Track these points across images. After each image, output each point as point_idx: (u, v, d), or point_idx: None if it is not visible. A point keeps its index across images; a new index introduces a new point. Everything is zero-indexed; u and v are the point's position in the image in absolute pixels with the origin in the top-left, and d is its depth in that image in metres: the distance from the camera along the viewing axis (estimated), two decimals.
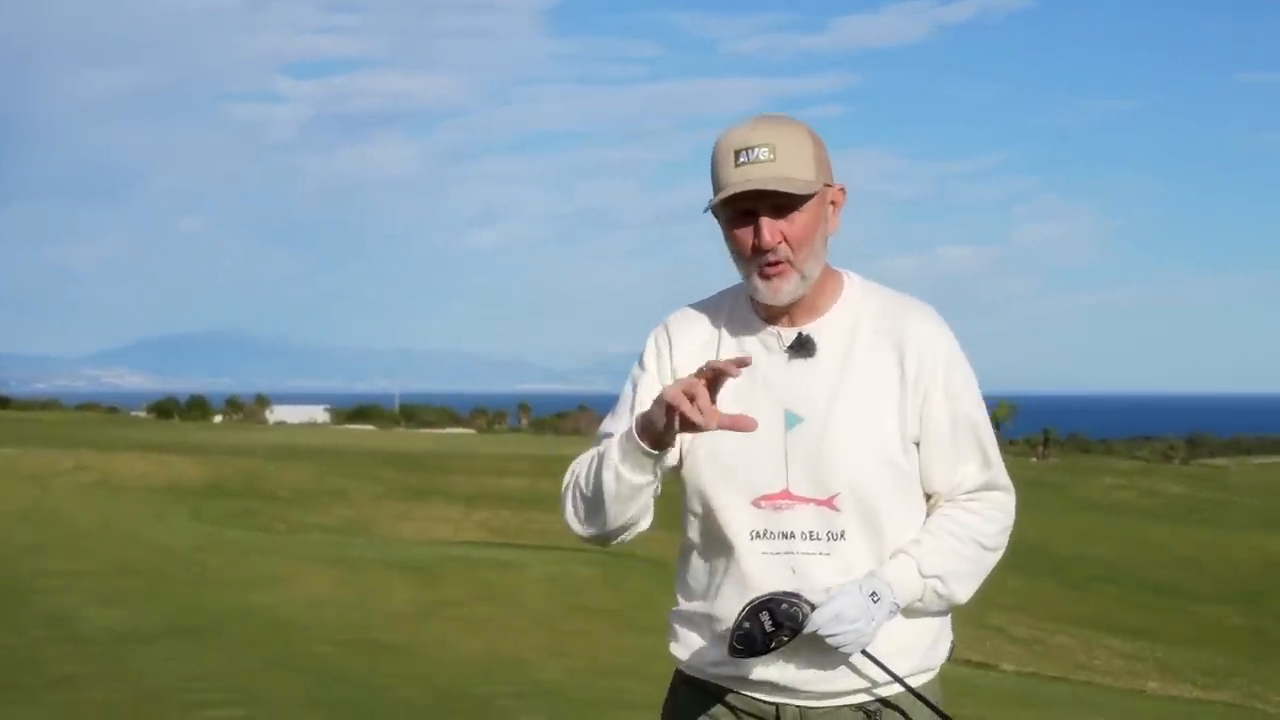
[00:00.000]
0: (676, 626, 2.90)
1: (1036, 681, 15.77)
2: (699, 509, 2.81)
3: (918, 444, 2.79)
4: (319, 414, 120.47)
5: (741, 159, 2.69)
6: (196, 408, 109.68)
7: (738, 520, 2.73)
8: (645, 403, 2.75)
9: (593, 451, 2.78)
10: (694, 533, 2.83)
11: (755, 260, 2.72)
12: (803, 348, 2.77)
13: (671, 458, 2.75)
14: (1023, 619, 25.04)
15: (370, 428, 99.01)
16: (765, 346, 2.80)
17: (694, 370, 2.65)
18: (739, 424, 2.55)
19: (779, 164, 2.69)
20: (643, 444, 2.61)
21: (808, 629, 2.60)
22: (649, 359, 2.89)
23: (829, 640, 2.62)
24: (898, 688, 2.77)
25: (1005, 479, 2.90)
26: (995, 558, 2.88)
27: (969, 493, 2.84)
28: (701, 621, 2.83)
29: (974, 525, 2.81)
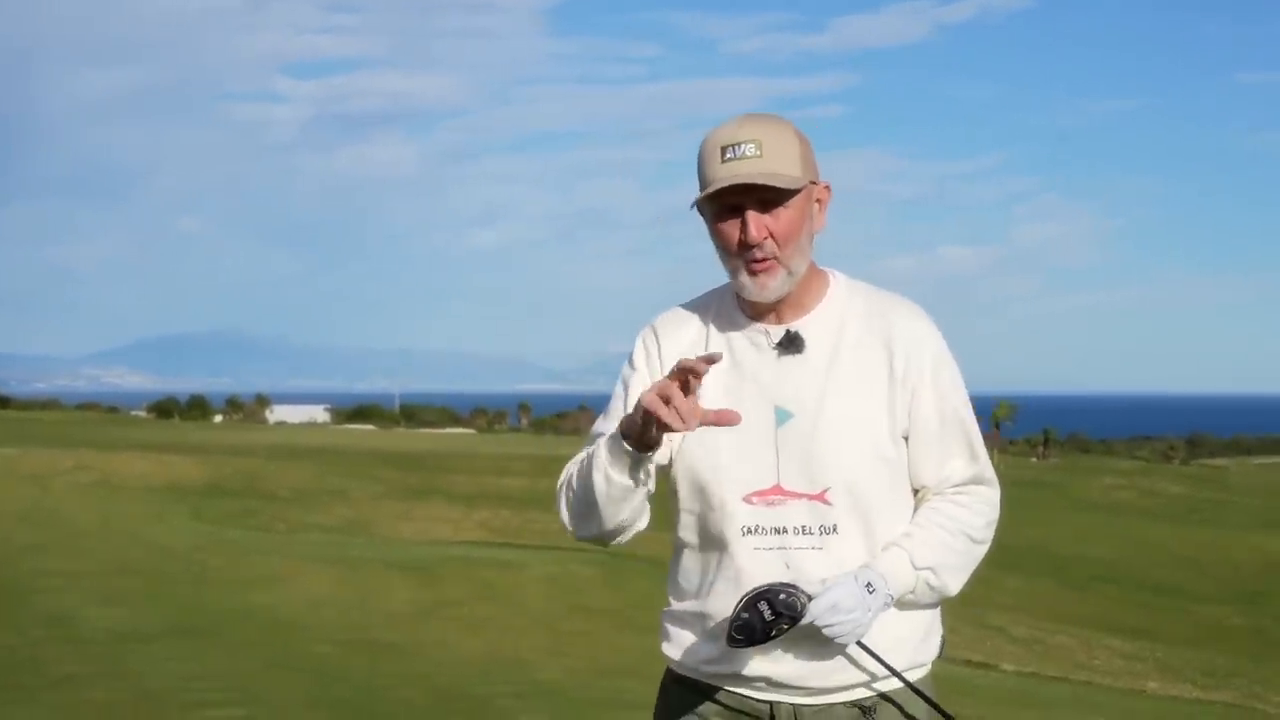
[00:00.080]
0: (668, 626, 2.90)
1: (1036, 681, 15.77)
2: (690, 507, 2.82)
3: (906, 439, 2.81)
4: (319, 414, 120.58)
5: (728, 155, 2.71)
6: (196, 407, 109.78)
7: (729, 516, 2.74)
8: (635, 399, 2.74)
9: (585, 453, 2.79)
10: (686, 531, 2.84)
11: (741, 256, 2.74)
12: (792, 344, 2.79)
13: (661, 456, 2.76)
14: (1023, 619, 25.08)
15: (370, 427, 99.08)
16: (754, 344, 2.81)
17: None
18: (723, 419, 2.56)
19: (765, 160, 2.70)
20: (629, 447, 2.62)
21: (805, 619, 2.60)
22: (638, 359, 2.90)
23: (826, 631, 2.62)
24: (892, 683, 2.78)
25: (991, 473, 2.93)
26: (983, 550, 2.90)
27: (956, 486, 2.86)
28: (694, 620, 2.83)
29: (962, 518, 2.84)
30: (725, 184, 2.69)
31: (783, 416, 2.75)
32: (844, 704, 2.78)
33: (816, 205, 2.81)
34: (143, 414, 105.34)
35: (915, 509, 2.84)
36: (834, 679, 2.75)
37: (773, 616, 2.59)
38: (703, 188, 2.75)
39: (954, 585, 2.83)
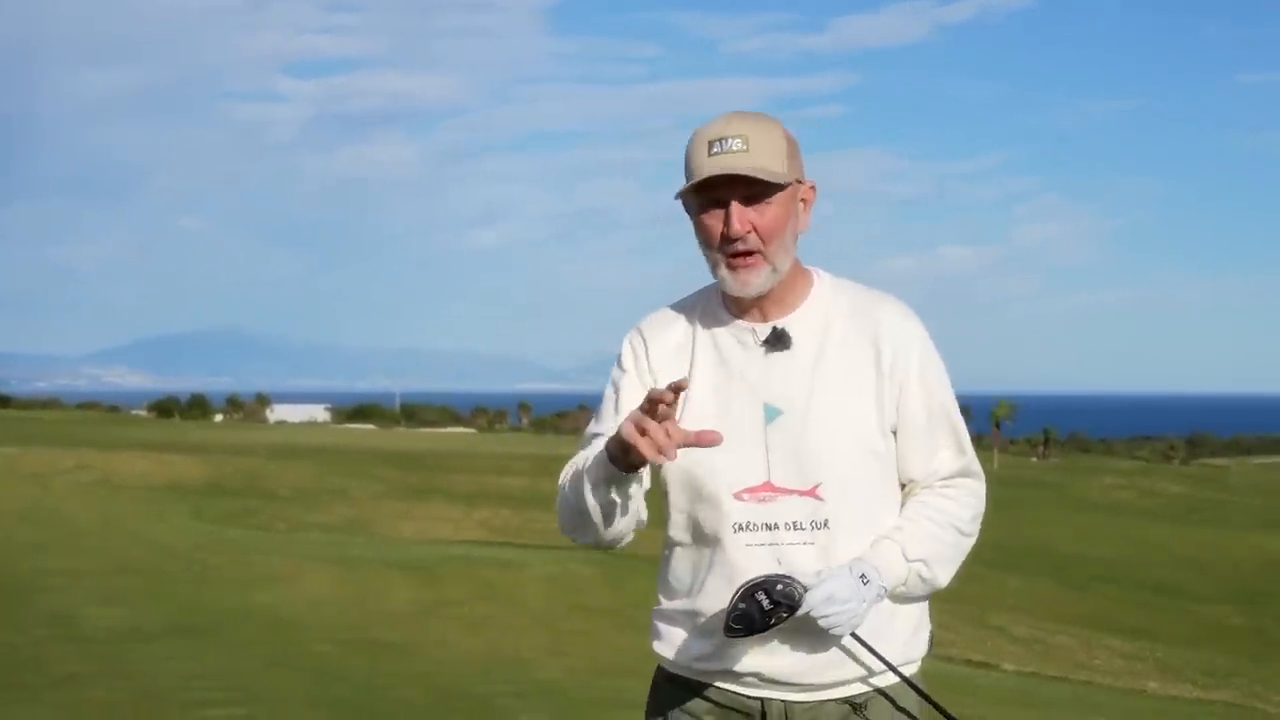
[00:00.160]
0: (659, 624, 2.91)
1: (1037, 681, 15.78)
2: (682, 505, 2.83)
3: (894, 433, 2.83)
4: (319, 413, 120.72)
5: (715, 149, 2.72)
6: (197, 407, 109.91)
7: (721, 514, 2.75)
8: (626, 404, 2.79)
9: (578, 461, 2.81)
10: (677, 529, 2.85)
11: (723, 249, 2.75)
12: (779, 341, 2.80)
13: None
14: (1023, 619, 25.09)
15: (371, 427, 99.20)
16: (740, 342, 2.83)
17: (670, 374, 2.76)
18: (703, 440, 2.56)
19: (752, 154, 2.72)
20: (616, 469, 2.64)
21: (802, 609, 2.61)
22: (626, 362, 2.92)
23: (821, 622, 2.63)
24: (883, 679, 2.79)
25: (977, 466, 2.95)
26: (971, 542, 2.92)
27: (944, 479, 2.88)
28: (686, 618, 2.84)
29: (951, 511, 2.85)
30: (711, 173, 2.70)
31: (772, 414, 2.76)
32: (835, 701, 2.78)
33: (801, 205, 2.83)
34: (143, 413, 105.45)
35: (903, 502, 2.86)
36: (826, 675, 2.76)
37: (771, 606, 2.60)
38: (688, 181, 2.76)
39: (944, 577, 2.85)
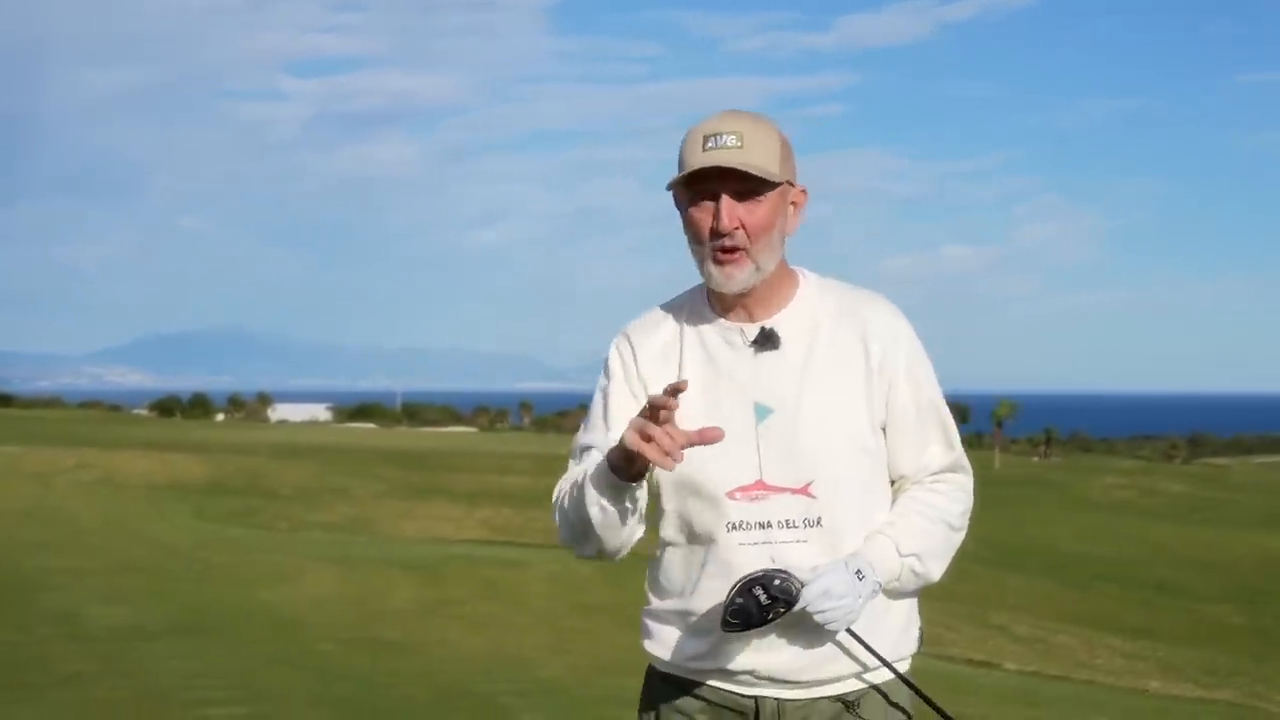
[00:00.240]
0: (651, 624, 2.92)
1: (1039, 680, 15.78)
2: (674, 505, 2.84)
3: (884, 430, 2.84)
4: (321, 412, 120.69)
5: (710, 144, 2.74)
6: (199, 406, 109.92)
7: (714, 513, 2.75)
8: (615, 412, 2.83)
9: (573, 475, 2.82)
10: (670, 529, 2.86)
11: (711, 244, 2.76)
12: (768, 341, 2.81)
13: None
14: (1025, 618, 25.09)
15: (372, 426, 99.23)
16: (729, 342, 2.84)
17: (659, 377, 2.79)
18: (706, 438, 2.57)
19: (745, 151, 2.73)
20: (617, 479, 2.65)
21: (799, 604, 2.63)
22: (614, 367, 2.92)
23: (817, 617, 2.64)
24: (876, 675, 2.81)
25: (966, 461, 2.97)
26: (961, 537, 2.93)
27: (934, 475, 2.90)
28: (679, 617, 2.85)
29: (941, 506, 2.87)
30: (703, 165, 2.72)
31: (762, 413, 2.78)
32: (828, 698, 2.80)
33: (792, 207, 2.84)
34: (145, 412, 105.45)
35: (894, 498, 2.88)
36: (819, 672, 2.77)
37: (768, 601, 2.61)
38: (680, 173, 2.77)
39: (936, 572, 2.86)
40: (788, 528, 2.75)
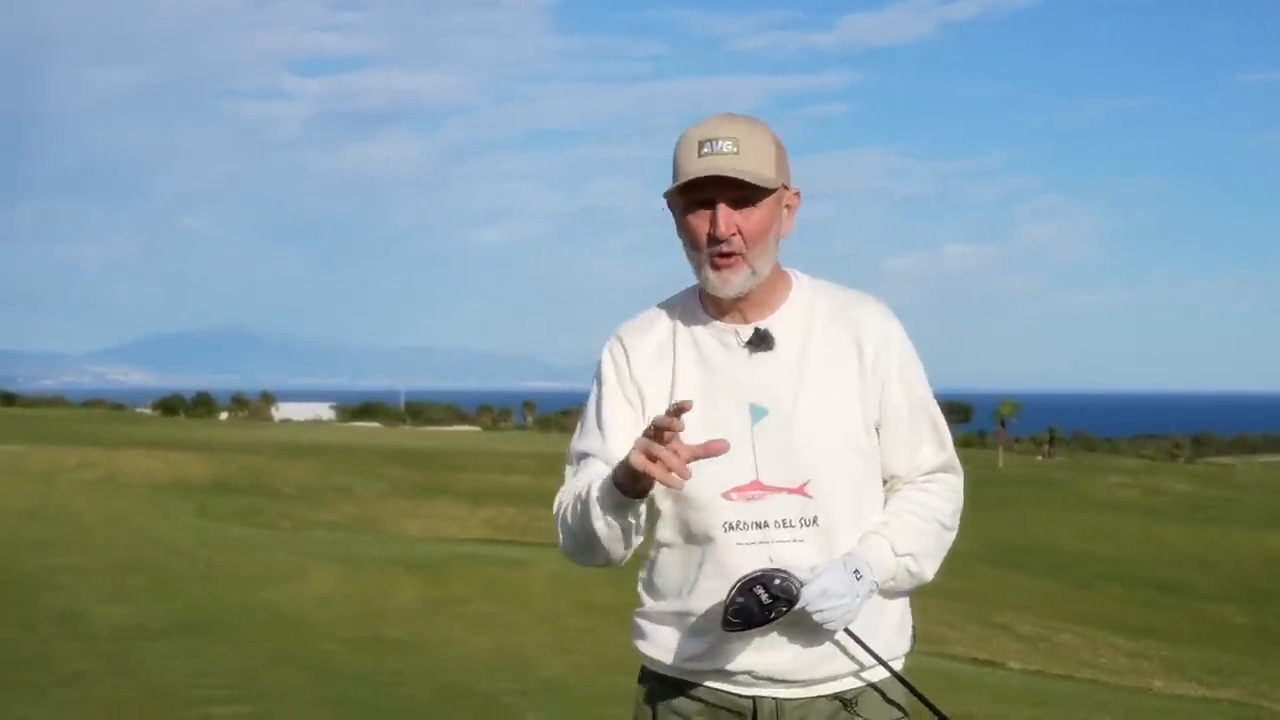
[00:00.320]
0: (645, 625, 2.91)
1: (1042, 679, 15.77)
2: (670, 506, 2.85)
3: (878, 429, 2.86)
4: (324, 411, 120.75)
5: (705, 150, 2.74)
6: (202, 405, 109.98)
7: (711, 514, 2.76)
8: (610, 417, 2.85)
9: (576, 488, 2.82)
10: (666, 531, 2.86)
11: (708, 250, 2.77)
12: (762, 342, 2.82)
13: None
14: (1028, 617, 25.08)
15: (376, 425, 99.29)
16: (723, 344, 2.85)
17: (653, 380, 2.82)
18: (710, 451, 2.58)
19: (742, 157, 2.74)
20: (622, 496, 2.66)
21: (799, 604, 2.64)
22: (607, 372, 2.93)
23: (816, 616, 2.65)
24: (873, 674, 2.82)
25: (957, 462, 2.99)
26: (952, 537, 2.96)
27: (927, 475, 2.92)
28: (676, 618, 2.85)
29: (934, 505, 2.89)
30: (702, 174, 2.72)
31: (758, 413, 2.79)
32: (826, 697, 2.80)
33: (786, 210, 2.85)
34: (148, 411, 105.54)
35: (886, 498, 2.90)
36: (817, 671, 2.78)
37: (770, 600, 2.62)
38: (676, 180, 2.78)
39: (930, 571, 2.88)
40: (784, 527, 2.76)
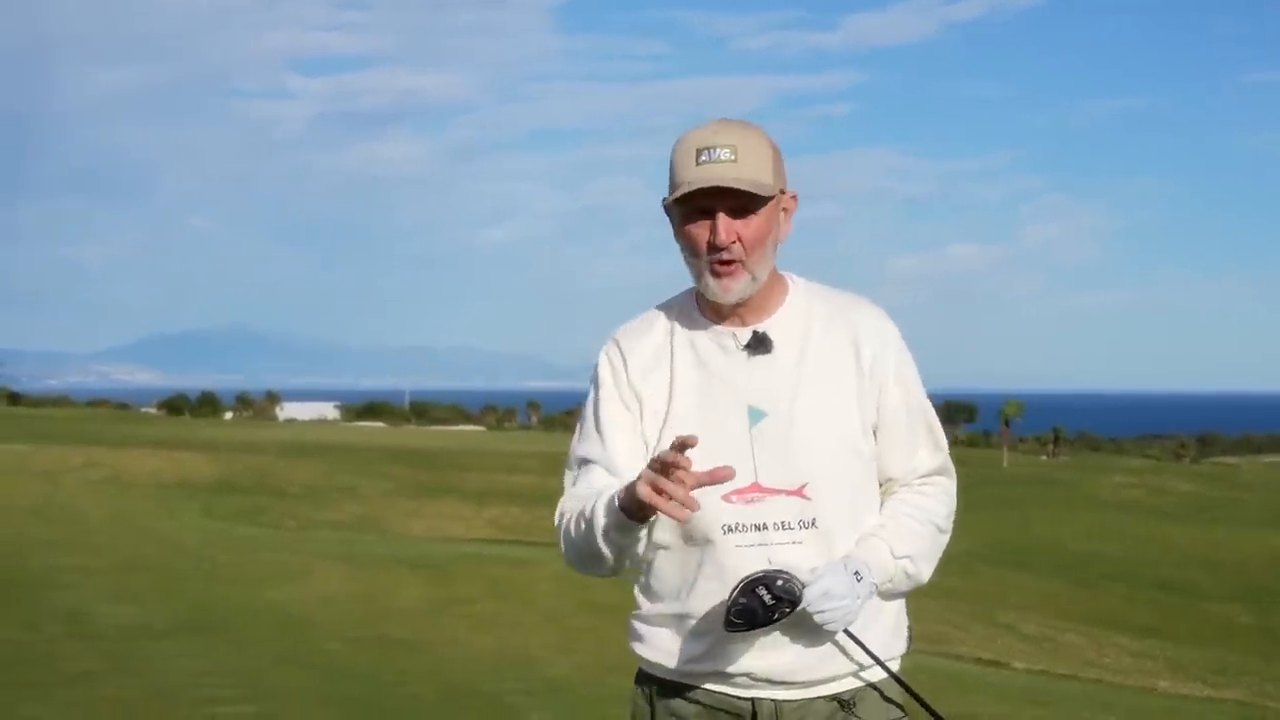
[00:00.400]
0: (642, 628, 2.92)
1: (1047, 679, 15.76)
2: None
3: (875, 432, 2.87)
4: (329, 411, 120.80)
5: (703, 158, 2.74)
6: (207, 404, 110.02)
7: (709, 515, 2.76)
8: (608, 422, 2.87)
9: (579, 501, 2.82)
10: (664, 533, 2.85)
11: (708, 257, 2.78)
12: (761, 345, 2.83)
13: (636, 463, 2.82)
14: (1033, 617, 25.07)
15: (380, 425, 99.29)
16: (721, 347, 2.86)
17: (651, 383, 2.84)
18: (716, 478, 2.59)
19: (740, 165, 2.74)
20: (628, 519, 2.67)
21: (800, 605, 2.64)
22: (604, 376, 2.93)
23: (817, 618, 2.66)
24: (871, 674, 2.83)
25: (951, 464, 3.01)
26: (946, 539, 2.98)
27: (922, 477, 2.94)
28: (674, 620, 2.85)
29: (930, 508, 2.92)
30: (703, 184, 2.73)
31: (756, 416, 2.79)
32: (824, 698, 2.81)
33: (783, 214, 2.86)
34: (153, 411, 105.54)
35: (883, 500, 2.91)
36: (816, 672, 2.79)
37: (773, 601, 2.63)
38: (674, 189, 2.78)
39: (927, 573, 2.90)
40: (783, 529, 2.77)
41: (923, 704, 2.84)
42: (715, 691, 2.82)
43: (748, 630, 2.66)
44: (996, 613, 23.96)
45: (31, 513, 24.41)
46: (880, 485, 2.91)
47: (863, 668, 2.82)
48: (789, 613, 2.64)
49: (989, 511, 43.32)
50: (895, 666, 2.88)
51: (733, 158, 2.73)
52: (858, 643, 2.76)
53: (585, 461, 2.88)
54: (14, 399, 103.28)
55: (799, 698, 2.80)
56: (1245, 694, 17.61)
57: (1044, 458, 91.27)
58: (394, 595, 15.87)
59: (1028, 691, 13.78)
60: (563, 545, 2.88)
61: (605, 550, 2.73)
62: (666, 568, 2.86)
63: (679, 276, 2.89)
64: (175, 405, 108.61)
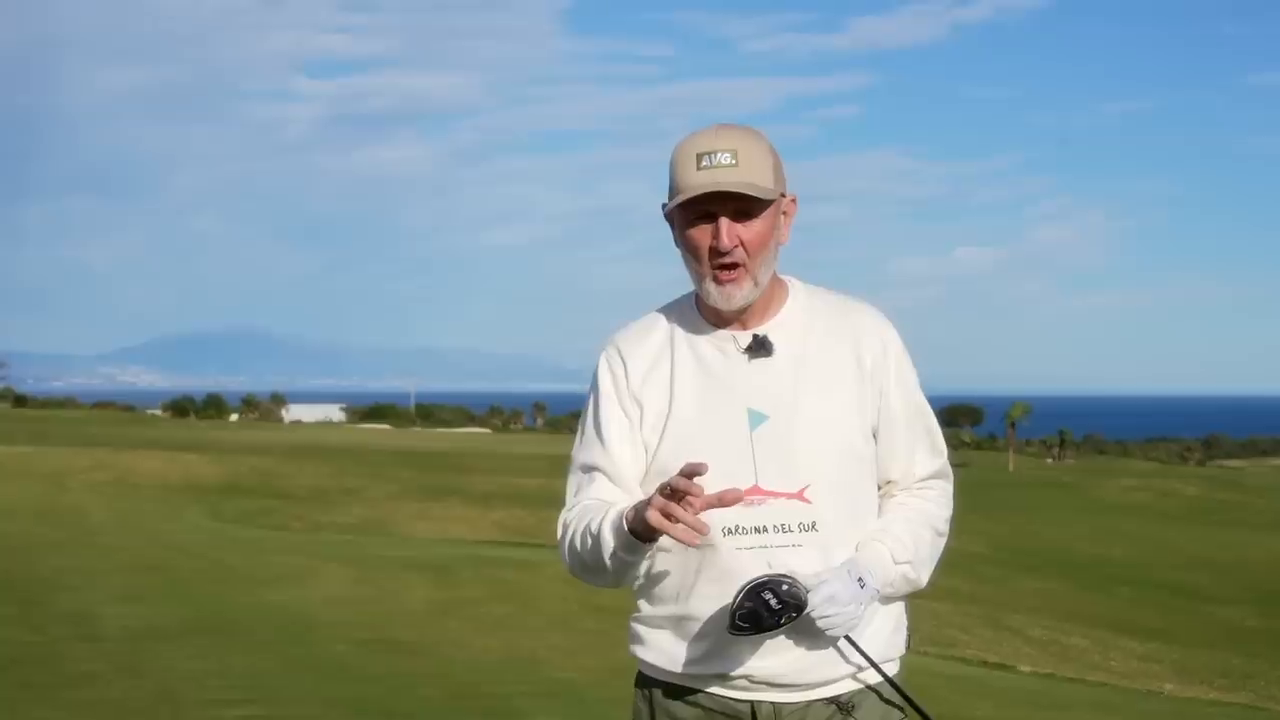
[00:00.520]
0: (642, 630, 2.92)
1: (1053, 683, 15.75)
2: None
3: (875, 435, 2.88)
4: (334, 413, 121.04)
5: (704, 163, 2.75)
6: (213, 406, 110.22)
7: (710, 518, 2.75)
8: (609, 428, 2.87)
9: (585, 515, 2.83)
10: (665, 536, 2.87)
11: (710, 262, 2.79)
12: (761, 348, 2.84)
13: (638, 469, 2.86)
14: (1039, 620, 25.03)
15: (386, 427, 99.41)
16: (721, 350, 2.86)
17: (651, 387, 2.84)
18: (725, 501, 2.62)
19: (741, 169, 2.75)
20: (634, 539, 2.69)
21: (806, 610, 2.65)
22: (604, 382, 2.93)
23: (820, 623, 2.67)
24: (871, 676, 2.84)
25: (949, 468, 3.03)
26: (944, 543, 2.99)
27: (922, 481, 2.95)
28: (674, 623, 2.86)
29: (930, 512, 2.93)
30: (706, 189, 2.73)
31: (757, 419, 2.80)
32: (823, 701, 2.82)
33: (783, 217, 2.86)
34: (159, 413, 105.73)
35: (881, 503, 2.92)
36: (815, 675, 2.80)
37: (779, 606, 2.62)
38: (675, 194, 2.79)
39: (926, 577, 2.91)
40: (783, 532, 2.77)
41: (915, 708, 2.85)
42: (715, 694, 2.83)
43: (753, 634, 2.66)
44: (1003, 616, 23.92)
45: (37, 515, 24.47)
46: (879, 488, 2.92)
47: (862, 670, 2.83)
48: (794, 618, 2.64)
49: (995, 515, 43.32)
50: (896, 666, 2.89)
51: (733, 162, 2.74)
52: (856, 648, 2.77)
53: (587, 468, 2.90)
54: (20, 401, 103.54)
55: (798, 700, 2.81)
56: (1252, 697, 17.59)
57: (1050, 461, 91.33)
58: (400, 597, 15.87)
59: (1034, 695, 13.77)
60: (566, 556, 2.89)
61: (611, 567, 2.76)
62: (666, 571, 2.86)
63: (685, 280, 2.89)
64: (181, 407, 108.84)
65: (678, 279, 2.92)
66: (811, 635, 2.72)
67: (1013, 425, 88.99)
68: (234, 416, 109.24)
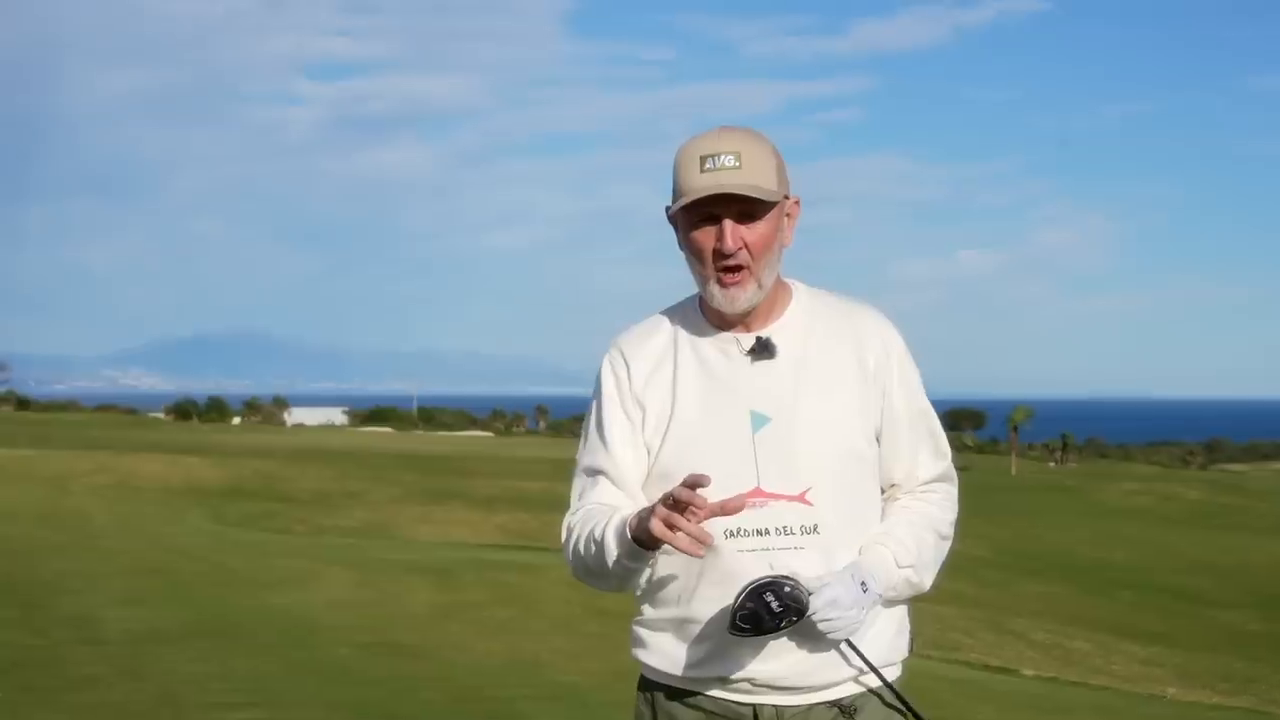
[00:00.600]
0: (644, 633, 2.92)
1: (1055, 686, 15.75)
2: None
3: (878, 438, 2.88)
4: (337, 416, 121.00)
5: (708, 165, 2.75)
6: (215, 409, 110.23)
7: (711, 521, 2.75)
8: (612, 431, 2.87)
9: (590, 521, 2.83)
10: None
11: (715, 265, 2.78)
12: (764, 350, 2.84)
13: (641, 472, 2.86)
14: (1042, 624, 25.01)
15: (388, 430, 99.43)
16: (724, 353, 2.86)
17: (654, 390, 2.84)
18: (727, 509, 2.61)
19: (745, 171, 2.74)
20: (637, 547, 2.69)
21: (808, 613, 2.64)
22: (607, 384, 2.93)
23: (822, 626, 2.67)
24: (871, 681, 2.83)
25: (953, 471, 3.02)
26: (948, 546, 2.98)
27: (925, 484, 2.94)
28: (676, 625, 2.85)
29: (933, 515, 2.92)
30: (709, 192, 2.73)
31: (759, 421, 2.80)
32: (825, 704, 2.82)
33: (787, 219, 2.86)
34: (161, 416, 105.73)
35: (885, 506, 2.91)
36: (817, 678, 2.80)
37: (780, 608, 2.61)
38: (678, 197, 2.78)
39: (929, 581, 2.91)
40: (785, 534, 2.77)
41: (911, 711, 2.85)
42: (717, 697, 2.83)
43: (754, 636, 2.65)
44: (1005, 620, 23.91)
45: (40, 518, 24.46)
46: (882, 491, 2.92)
47: (864, 673, 2.82)
48: (795, 621, 2.63)
49: (997, 518, 43.30)
50: (897, 670, 2.89)
51: (737, 164, 2.73)
52: (856, 651, 2.77)
53: (591, 471, 2.90)
54: (22, 404, 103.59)
55: (801, 703, 2.80)
56: (1254, 701, 17.57)
57: (1052, 464, 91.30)
58: (402, 601, 15.86)
59: (1037, 698, 13.77)
60: (570, 561, 2.90)
61: (615, 573, 2.76)
62: (668, 574, 2.85)
63: (687, 282, 2.89)
64: (183, 410, 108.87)
65: (680, 281, 2.89)
66: (814, 638, 2.71)
67: (1015, 429, 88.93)
68: (236, 420, 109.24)
